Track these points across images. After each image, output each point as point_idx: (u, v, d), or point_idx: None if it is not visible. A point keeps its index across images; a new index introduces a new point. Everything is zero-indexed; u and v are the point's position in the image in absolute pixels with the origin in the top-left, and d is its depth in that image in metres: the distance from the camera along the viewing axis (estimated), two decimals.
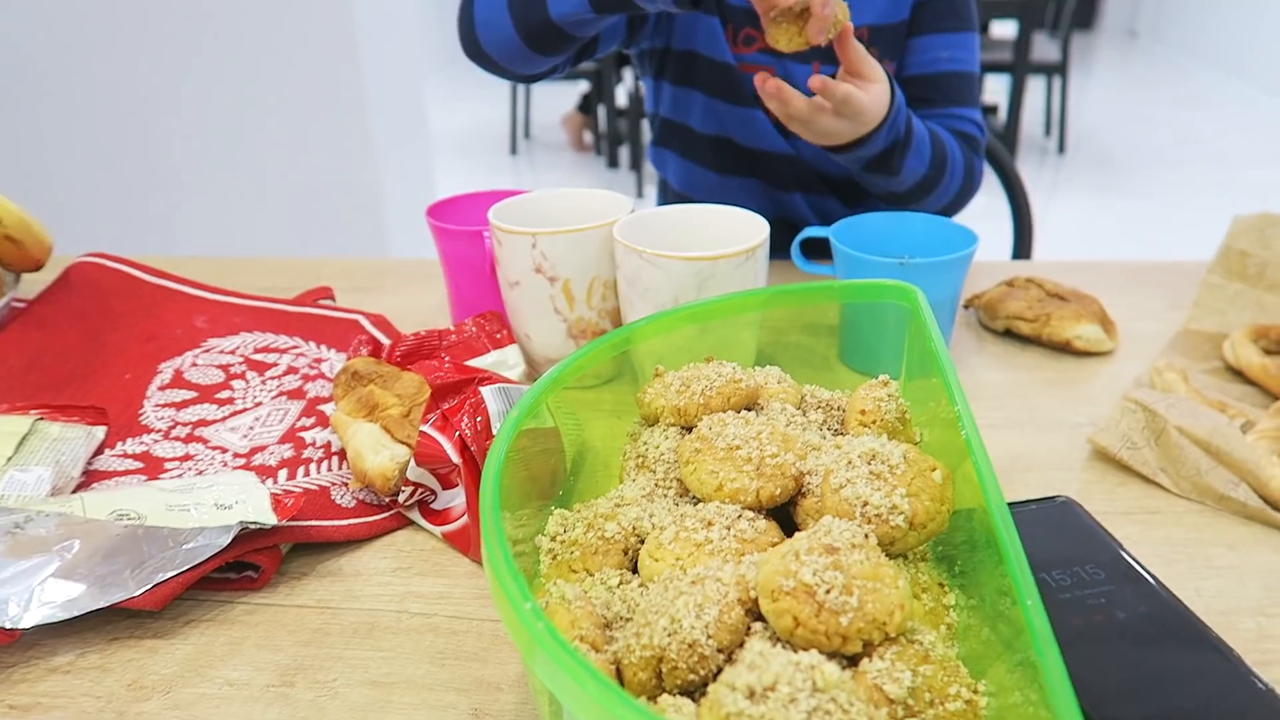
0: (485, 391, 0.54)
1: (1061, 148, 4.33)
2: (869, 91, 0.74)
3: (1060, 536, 0.51)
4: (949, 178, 0.87)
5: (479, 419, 0.53)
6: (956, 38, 0.92)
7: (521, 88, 4.53)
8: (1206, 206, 3.73)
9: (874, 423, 0.48)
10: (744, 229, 0.66)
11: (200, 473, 0.60)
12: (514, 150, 4.56)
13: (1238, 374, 0.70)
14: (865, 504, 0.39)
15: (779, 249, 0.98)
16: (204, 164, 2.03)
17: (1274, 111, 4.96)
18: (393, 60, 2.12)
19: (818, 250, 0.78)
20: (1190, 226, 3.53)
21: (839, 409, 0.52)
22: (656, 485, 0.46)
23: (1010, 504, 0.54)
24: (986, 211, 0.99)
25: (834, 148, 0.78)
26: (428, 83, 5.73)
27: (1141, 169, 4.15)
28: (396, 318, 0.82)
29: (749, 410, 0.49)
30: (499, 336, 0.69)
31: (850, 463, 0.41)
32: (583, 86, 4.76)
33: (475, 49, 0.85)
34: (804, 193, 0.99)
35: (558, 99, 5.07)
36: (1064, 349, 0.74)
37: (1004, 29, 4.71)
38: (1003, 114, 4.13)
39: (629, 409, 0.56)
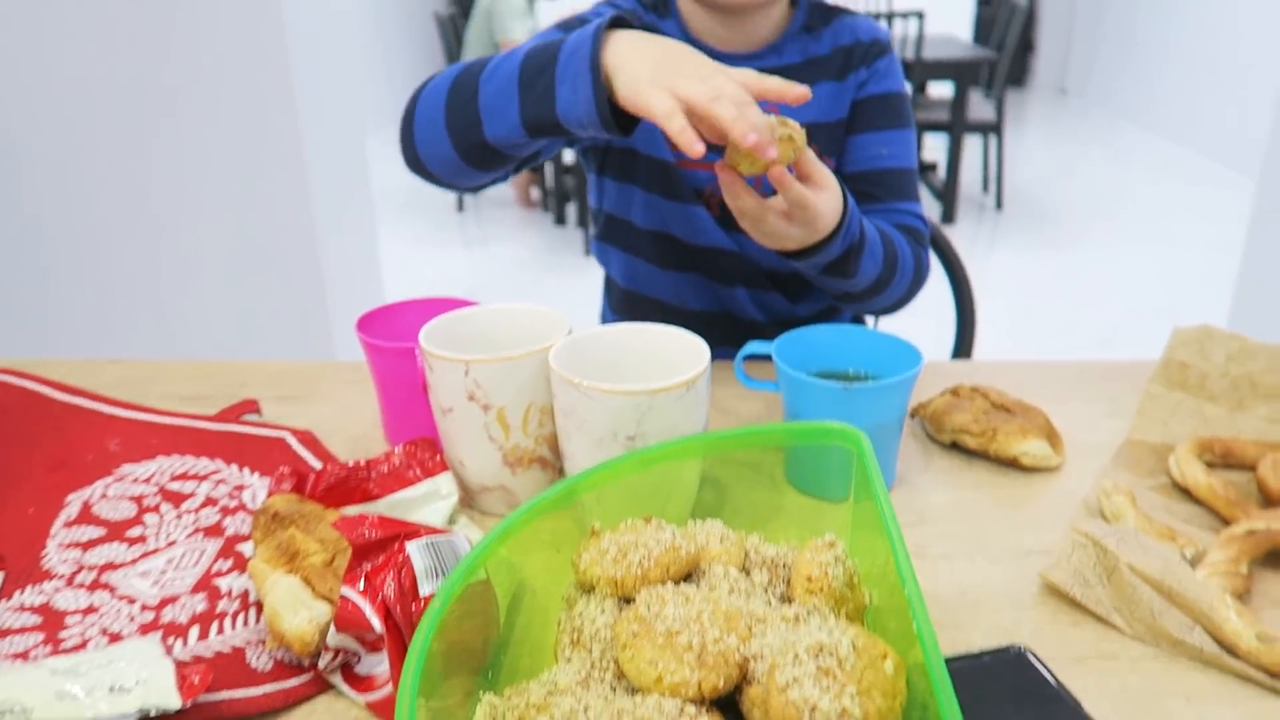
0: (411, 548, 0.51)
1: (999, 204, 4.43)
2: (821, 198, 0.73)
3: (1016, 697, 0.49)
4: (900, 274, 0.87)
5: (405, 579, 0.50)
6: (894, 134, 0.93)
7: None
8: (1139, 256, 3.84)
9: (821, 590, 0.46)
10: (685, 353, 0.64)
11: (104, 631, 0.55)
12: (460, 207, 4.55)
13: (1185, 491, 0.70)
14: (814, 709, 0.37)
15: (723, 343, 0.97)
16: (126, 239, 1.97)
17: (1197, 166, 5.15)
18: (333, 119, 2.09)
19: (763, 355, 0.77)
20: (1124, 277, 3.63)
21: (785, 567, 0.50)
22: (593, 667, 0.44)
23: (962, 657, 0.52)
24: (926, 300, 0.99)
25: (791, 253, 0.77)
26: (372, 139, 5.71)
27: (1076, 222, 4.27)
28: (327, 432, 0.78)
29: (688, 581, 0.46)
30: (430, 464, 0.66)
31: (797, 657, 0.39)
32: None
33: (417, 165, 0.83)
34: (747, 288, 0.98)
35: None
36: (1011, 464, 0.73)
37: (941, 89, 4.84)
38: (942, 172, 4.23)
39: (568, 539, 0.53)
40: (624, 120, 0.69)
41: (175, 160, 1.92)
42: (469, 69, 0.76)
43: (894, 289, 0.88)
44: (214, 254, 2.00)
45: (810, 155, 0.72)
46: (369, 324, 0.76)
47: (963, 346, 1.11)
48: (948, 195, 4.12)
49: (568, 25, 0.88)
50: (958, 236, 4.09)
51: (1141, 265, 3.75)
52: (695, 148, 0.62)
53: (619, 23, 0.70)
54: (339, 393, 0.86)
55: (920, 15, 3.82)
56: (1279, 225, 2.09)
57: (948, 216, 4.17)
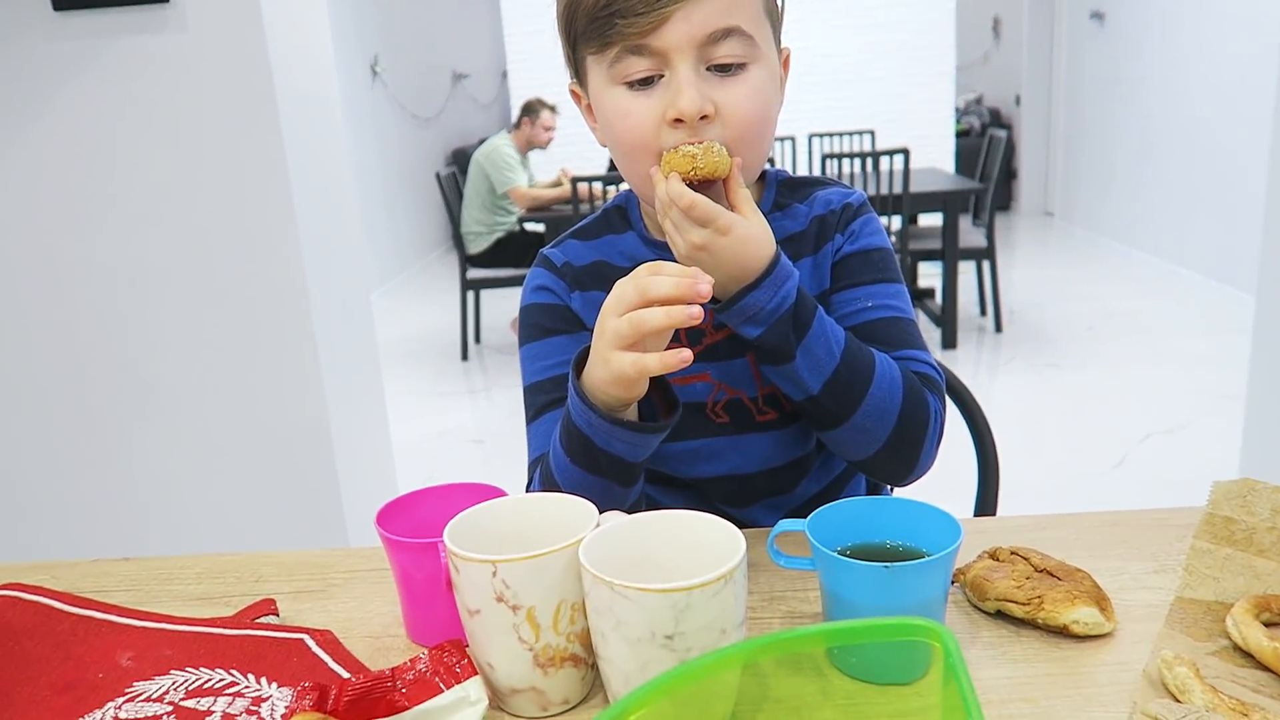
0: None
1: (998, 326, 4.48)
2: (731, 214, 0.75)
3: None
4: (878, 389, 0.79)
5: None
6: (880, 288, 0.88)
7: (470, 294, 4.60)
8: (1143, 375, 3.85)
9: None
10: (720, 540, 0.62)
11: None
12: (465, 356, 4.59)
13: (1247, 653, 0.66)
14: None
15: (752, 500, 0.94)
16: (134, 425, 1.98)
17: (1187, 280, 5.23)
18: (339, 275, 2.11)
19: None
20: (1131, 396, 3.63)
21: None
22: None
23: None
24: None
25: (719, 307, 0.77)
26: (375, 292, 5.82)
27: (1076, 342, 4.30)
28: (346, 632, 0.75)
29: None
30: (458, 670, 0.63)
31: None
32: None
33: None
34: (763, 505, 0.94)
35: (507, 303, 5.17)
36: (1061, 632, 0.70)
37: (931, 219, 4.96)
38: (939, 297, 4.29)
39: None
40: (663, 404, 0.79)
41: (181, 335, 1.94)
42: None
43: (874, 408, 0.79)
44: (221, 427, 1.99)
45: (745, 194, 0.77)
46: (389, 516, 0.75)
47: (986, 501, 1.08)
48: (946, 321, 4.17)
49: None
50: (960, 361, 4.12)
51: (1145, 382, 3.75)
52: (683, 355, 0.68)
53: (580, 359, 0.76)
54: (357, 585, 0.84)
55: (905, 152, 3.96)
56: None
57: (948, 342, 4.20)
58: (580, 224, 0.96)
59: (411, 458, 3.35)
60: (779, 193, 0.93)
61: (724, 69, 0.77)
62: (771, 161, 0.96)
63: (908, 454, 0.82)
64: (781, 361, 0.79)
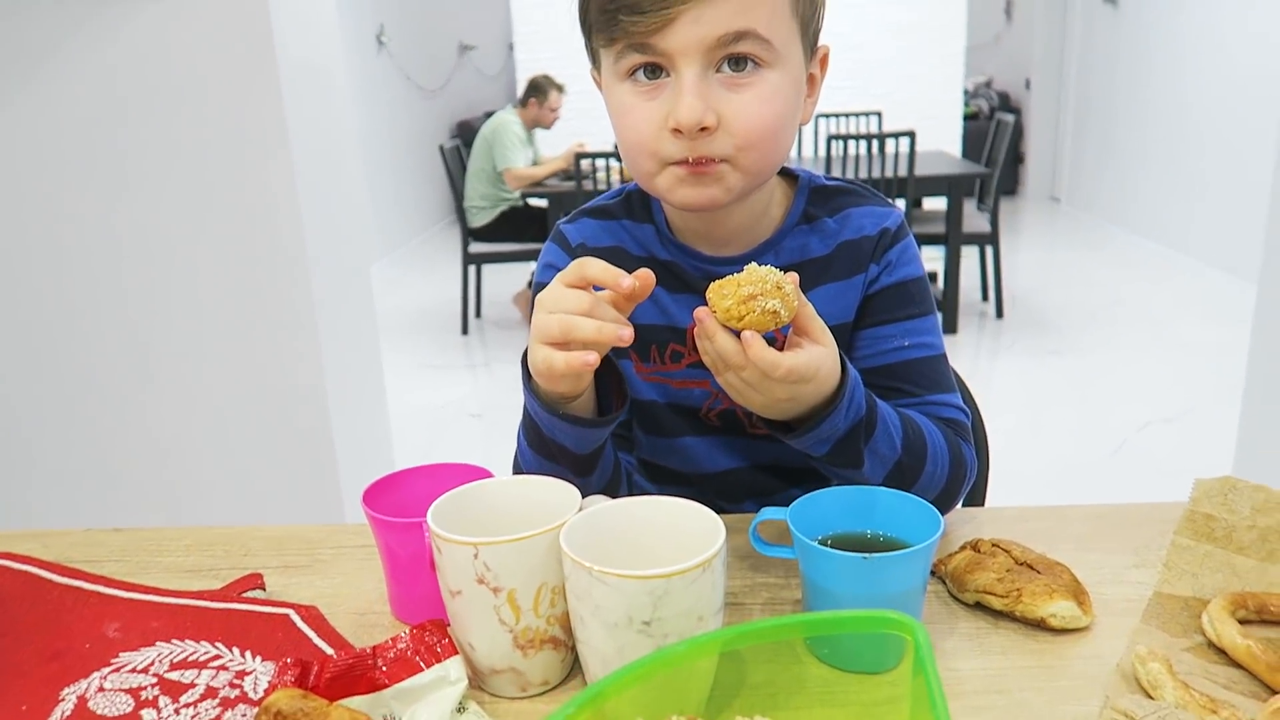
0: None
1: (999, 312, 4.47)
2: (813, 352, 0.69)
3: None
4: (931, 465, 0.79)
5: None
6: (914, 324, 0.85)
7: (471, 268, 4.59)
8: (1142, 361, 3.86)
9: None
10: (700, 528, 0.62)
11: None
12: (465, 330, 4.59)
13: (1221, 650, 0.67)
14: None
15: (742, 498, 0.94)
16: (129, 389, 1.99)
17: (1189, 268, 5.22)
18: (340, 247, 2.10)
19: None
20: (1130, 383, 3.63)
21: None
22: None
23: None
24: None
25: (785, 428, 0.74)
26: (377, 264, 5.82)
27: (1077, 328, 4.30)
28: (332, 607, 0.76)
29: None
30: (439, 649, 0.63)
31: None
32: (533, 266, 4.85)
33: None
34: (755, 500, 0.93)
35: (509, 277, 5.17)
36: (1039, 625, 0.71)
37: (936, 202, 4.94)
38: (940, 282, 4.28)
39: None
40: (613, 396, 0.78)
41: (179, 304, 1.94)
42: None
43: (926, 483, 0.79)
44: (218, 395, 2.00)
45: (809, 310, 0.70)
46: (376, 494, 0.75)
47: (975, 490, 1.09)
48: (948, 306, 4.16)
49: None
50: (960, 346, 4.12)
51: (1146, 370, 3.75)
52: (586, 358, 0.67)
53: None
54: (344, 561, 0.84)
55: (911, 135, 3.93)
56: None
57: (949, 327, 4.20)
58: (600, 201, 0.92)
59: (410, 430, 3.36)
60: (810, 201, 0.87)
61: (735, 73, 0.72)
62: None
63: (944, 506, 0.82)
64: (848, 468, 0.76)
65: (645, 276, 0.68)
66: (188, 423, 2.02)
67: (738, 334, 0.67)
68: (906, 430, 0.78)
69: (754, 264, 0.69)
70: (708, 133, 0.72)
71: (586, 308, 0.68)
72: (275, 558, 0.85)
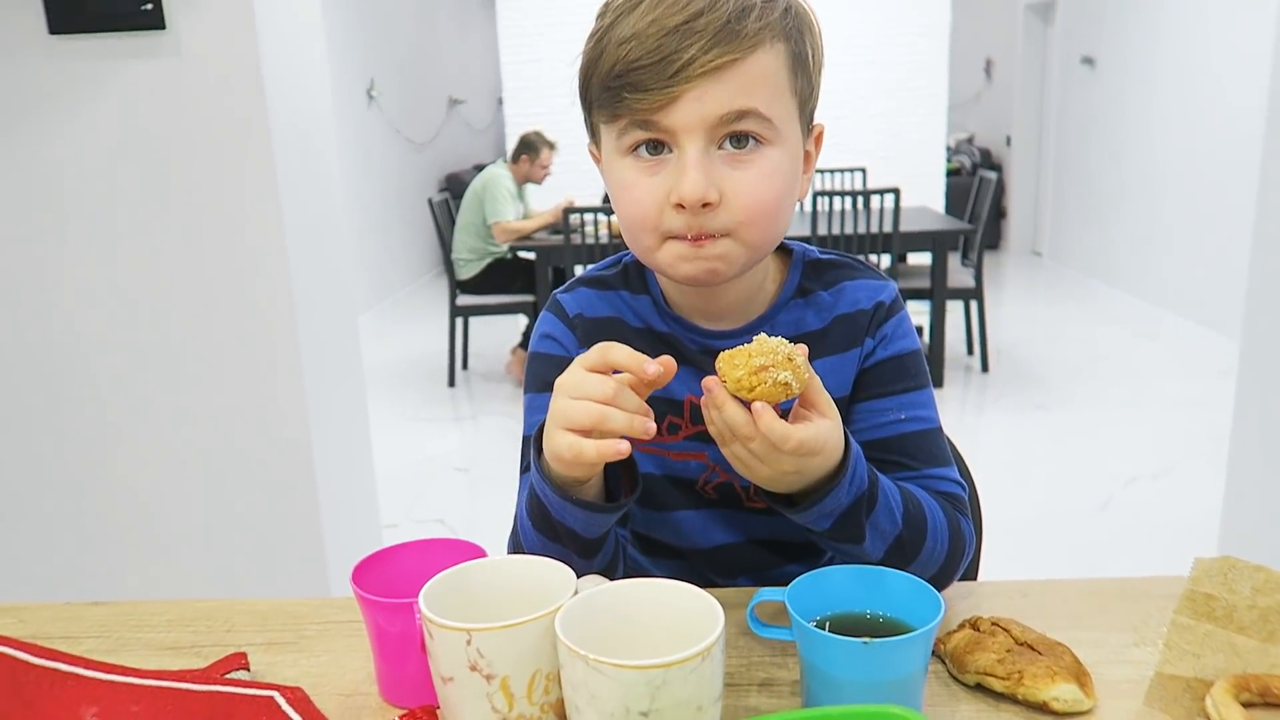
0: None
1: (985, 366, 4.49)
2: (821, 426, 0.69)
3: None
4: (931, 540, 0.78)
5: None
6: (910, 396, 0.84)
7: (459, 320, 4.59)
8: (1126, 417, 3.88)
9: None
10: (699, 613, 0.61)
11: None
12: (452, 382, 4.57)
13: None
14: None
15: (738, 574, 0.92)
16: (117, 451, 1.96)
17: (1169, 323, 5.28)
18: (327, 300, 2.10)
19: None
20: (1115, 439, 3.64)
21: None
22: None
23: None
24: None
25: (786, 502, 0.73)
26: (364, 316, 5.81)
27: (1062, 383, 4.32)
28: (318, 688, 0.74)
29: None
30: None
31: None
32: (523, 323, 4.86)
33: None
34: (750, 575, 0.92)
35: (495, 329, 5.17)
36: (1041, 709, 0.70)
37: (921, 257, 4.99)
38: (926, 336, 4.31)
39: None
40: (624, 482, 0.77)
41: (163, 356, 1.92)
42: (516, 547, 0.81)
43: (926, 558, 0.78)
44: (201, 450, 1.97)
45: (816, 383, 0.70)
46: (365, 570, 0.74)
47: (972, 558, 1.08)
48: (934, 360, 4.18)
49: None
50: (947, 400, 4.13)
51: (1130, 425, 3.77)
52: (620, 447, 0.66)
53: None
54: (331, 637, 0.82)
55: (896, 191, 3.98)
56: (1263, 382, 2.10)
57: (936, 380, 4.21)
58: (597, 270, 0.92)
59: (395, 484, 3.33)
60: (804, 275, 0.87)
61: (737, 149, 0.73)
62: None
63: (943, 582, 0.81)
64: (849, 543, 0.75)
65: (668, 364, 0.68)
66: (169, 480, 1.99)
67: (746, 405, 0.67)
68: (907, 505, 0.77)
69: (763, 335, 0.69)
70: (710, 208, 0.73)
71: (611, 395, 0.67)
72: (259, 634, 0.83)
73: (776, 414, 0.66)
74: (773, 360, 0.66)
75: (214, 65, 1.81)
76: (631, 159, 0.75)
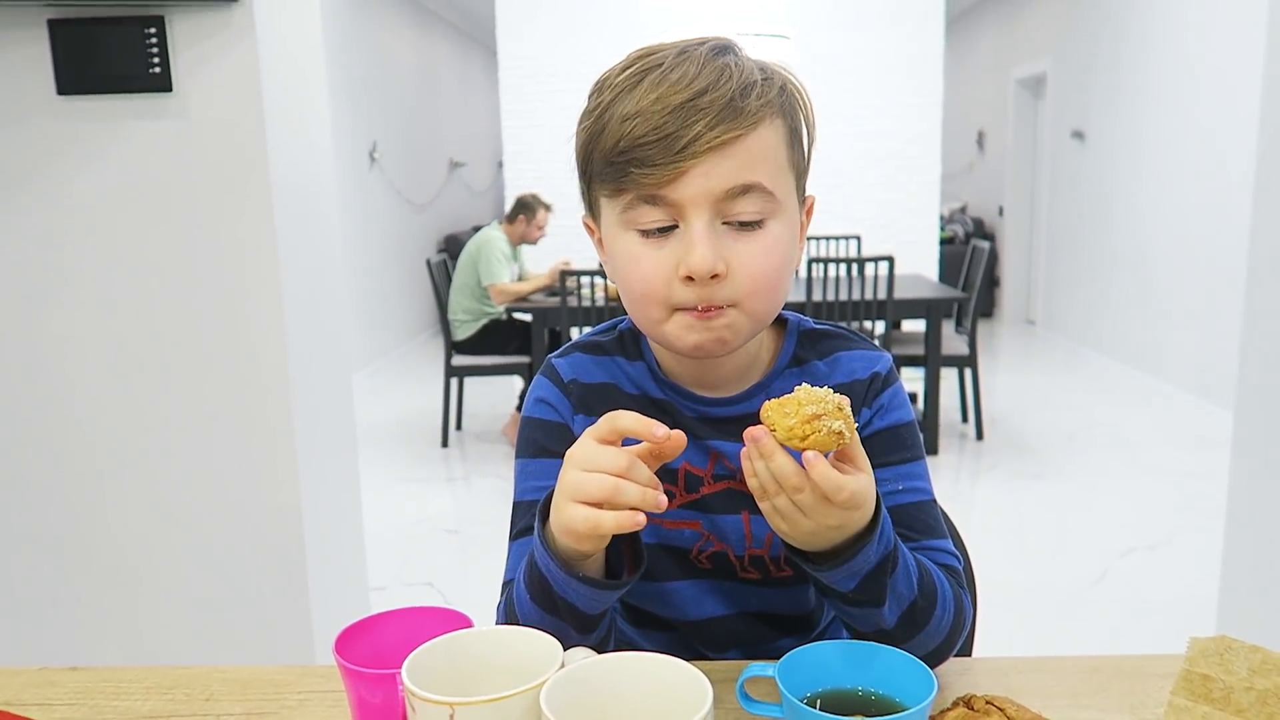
0: None
1: (979, 434, 4.48)
2: (862, 480, 0.68)
3: None
4: (940, 609, 0.77)
5: None
6: (907, 469, 0.84)
7: (454, 380, 4.59)
8: (1121, 487, 3.86)
9: None
10: (686, 689, 0.60)
11: None
12: (445, 443, 4.55)
13: None
14: None
15: (731, 646, 0.91)
16: (107, 508, 1.94)
17: (1161, 392, 5.29)
18: (321, 361, 2.10)
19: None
20: (1110, 508, 3.63)
21: None
22: None
23: None
24: None
25: (814, 562, 0.72)
26: (359, 374, 5.81)
27: (1055, 452, 4.31)
28: None
29: None
30: None
31: None
32: (519, 385, 4.86)
33: None
34: (740, 649, 0.91)
35: (491, 389, 5.16)
36: None
37: (915, 324, 5.02)
38: (920, 403, 4.31)
39: None
40: (627, 557, 0.76)
41: (155, 414, 1.91)
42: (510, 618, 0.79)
43: (934, 627, 0.77)
44: (189, 510, 1.95)
45: (855, 436, 0.69)
46: (348, 640, 0.72)
47: (965, 641, 1.06)
48: (928, 427, 4.18)
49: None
50: (941, 468, 4.12)
51: (1125, 496, 3.75)
52: (638, 518, 0.66)
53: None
54: (313, 707, 0.80)
55: (890, 259, 4.02)
56: (1258, 456, 2.10)
57: (930, 448, 4.21)
58: (592, 335, 0.92)
59: (385, 545, 3.29)
60: (799, 344, 0.87)
61: (741, 224, 0.74)
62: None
63: (943, 655, 0.80)
64: (869, 605, 0.74)
65: (678, 439, 0.68)
66: (155, 539, 1.96)
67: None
68: (921, 570, 0.77)
69: (806, 385, 0.68)
70: (718, 280, 0.74)
71: (625, 468, 0.67)
72: (239, 703, 0.81)
73: (829, 464, 0.66)
74: (824, 409, 0.65)
75: (219, 127, 1.83)
76: (635, 233, 0.76)
